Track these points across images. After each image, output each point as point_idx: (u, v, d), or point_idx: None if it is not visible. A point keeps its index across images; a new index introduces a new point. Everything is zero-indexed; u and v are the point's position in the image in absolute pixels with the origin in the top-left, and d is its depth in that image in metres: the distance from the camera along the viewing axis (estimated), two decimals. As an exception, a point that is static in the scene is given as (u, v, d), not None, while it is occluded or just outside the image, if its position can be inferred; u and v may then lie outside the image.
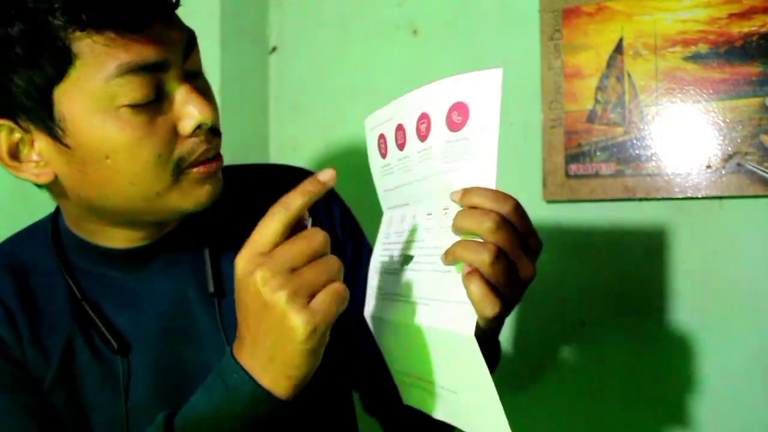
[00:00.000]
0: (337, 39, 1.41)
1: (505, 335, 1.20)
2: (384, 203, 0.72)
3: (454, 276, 0.58)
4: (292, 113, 1.47)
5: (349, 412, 0.85)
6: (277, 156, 1.48)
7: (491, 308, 0.55)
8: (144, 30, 0.60)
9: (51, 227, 0.74)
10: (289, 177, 0.85)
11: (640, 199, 1.11)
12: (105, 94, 0.60)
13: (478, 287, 0.55)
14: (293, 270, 0.54)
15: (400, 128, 0.66)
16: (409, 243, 0.66)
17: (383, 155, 0.69)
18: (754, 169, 1.03)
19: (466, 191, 0.57)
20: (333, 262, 0.55)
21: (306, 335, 0.53)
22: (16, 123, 0.63)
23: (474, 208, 0.57)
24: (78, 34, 0.58)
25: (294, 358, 0.54)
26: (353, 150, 1.38)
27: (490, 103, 0.56)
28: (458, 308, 0.57)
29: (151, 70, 0.61)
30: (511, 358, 1.20)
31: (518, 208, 0.57)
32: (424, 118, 0.62)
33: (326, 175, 0.57)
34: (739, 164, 1.04)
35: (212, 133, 0.66)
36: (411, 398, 0.70)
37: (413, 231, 0.65)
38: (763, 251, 1.05)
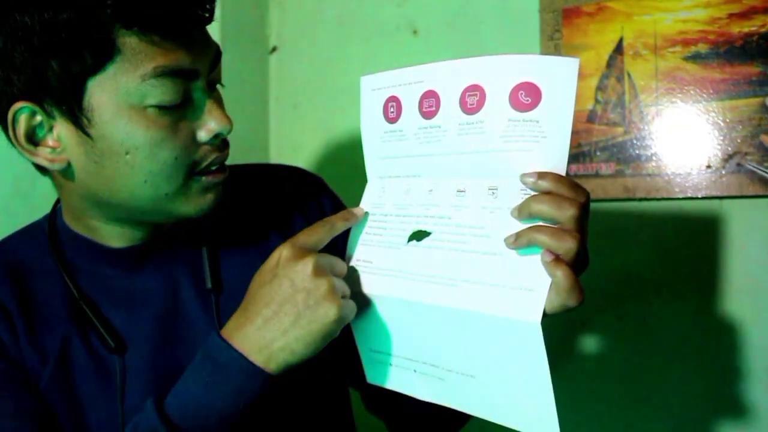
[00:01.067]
0: (337, 39, 1.41)
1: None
2: (374, 171, 0.69)
3: (509, 260, 0.56)
4: (292, 113, 1.47)
5: (346, 411, 0.85)
6: (277, 156, 1.48)
7: (576, 298, 0.55)
8: (184, 38, 0.63)
9: (48, 226, 0.74)
10: (287, 177, 0.86)
11: (640, 199, 1.11)
12: (137, 92, 0.62)
13: (567, 276, 0.54)
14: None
15: (431, 95, 0.63)
16: (421, 218, 0.63)
17: (391, 119, 0.66)
18: (754, 169, 1.03)
19: (542, 175, 0.56)
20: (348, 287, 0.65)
21: (335, 319, 0.60)
22: (41, 106, 0.64)
23: (547, 194, 0.56)
24: (123, 31, 0.61)
25: (308, 335, 0.61)
26: (353, 150, 1.38)
27: (567, 90, 0.55)
28: (518, 294, 0.55)
29: (183, 76, 0.64)
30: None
31: (589, 199, 0.58)
32: (474, 90, 0.60)
33: (360, 212, 0.69)
34: (739, 164, 1.04)
35: (224, 143, 0.69)
36: (384, 378, 0.68)
37: (430, 205, 0.63)
38: (763, 251, 1.05)
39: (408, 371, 0.66)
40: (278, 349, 0.61)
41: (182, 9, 0.62)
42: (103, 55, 0.61)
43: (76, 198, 0.70)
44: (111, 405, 0.68)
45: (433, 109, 0.63)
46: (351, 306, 0.63)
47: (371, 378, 0.70)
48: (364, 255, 0.67)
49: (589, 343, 1.17)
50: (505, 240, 0.57)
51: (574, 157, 1.15)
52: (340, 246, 0.70)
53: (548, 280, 0.54)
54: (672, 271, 1.11)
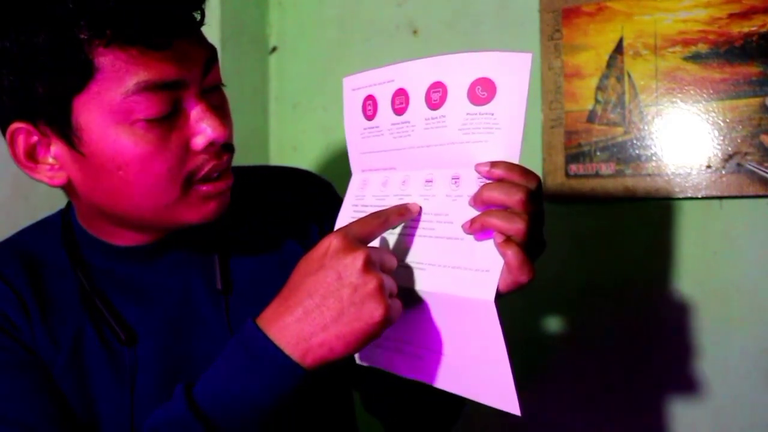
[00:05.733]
0: (337, 39, 1.41)
1: (507, 337, 1.20)
2: (357, 165, 0.72)
3: (468, 244, 0.60)
4: (292, 113, 1.47)
5: (349, 411, 0.86)
6: (277, 156, 1.48)
7: (527, 274, 0.58)
8: (167, 49, 0.61)
9: (62, 222, 0.75)
10: (297, 180, 0.87)
11: (640, 199, 1.11)
12: (122, 108, 0.61)
13: (516, 254, 0.57)
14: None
15: (401, 92, 0.67)
16: None
17: (369, 117, 0.70)
18: (754, 169, 1.03)
19: (494, 164, 0.59)
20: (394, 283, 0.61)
21: (380, 321, 0.57)
22: (35, 126, 0.64)
23: (499, 180, 0.59)
24: (101, 49, 0.60)
25: (350, 334, 0.57)
26: (353, 150, 1.38)
27: (520, 83, 0.59)
28: (475, 275, 0.59)
29: (169, 88, 0.62)
30: (511, 359, 1.20)
31: (541, 184, 0.60)
32: (438, 87, 0.64)
33: (415, 207, 0.65)
34: (739, 164, 1.04)
35: (224, 148, 0.68)
36: (372, 358, 0.71)
37: (403, 196, 0.67)
38: (763, 251, 1.05)
39: (392, 351, 0.69)
40: (316, 344, 0.58)
41: (160, 21, 0.60)
42: (83, 74, 0.60)
43: (84, 207, 0.71)
44: (121, 395, 0.69)
45: (404, 105, 0.67)
46: (398, 306, 0.60)
47: (361, 358, 0.72)
48: None
49: (589, 343, 1.17)
50: (462, 225, 0.60)
51: (574, 157, 1.15)
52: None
53: (502, 260, 0.58)
54: (672, 271, 1.11)
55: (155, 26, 0.60)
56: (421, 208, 0.65)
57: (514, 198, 0.58)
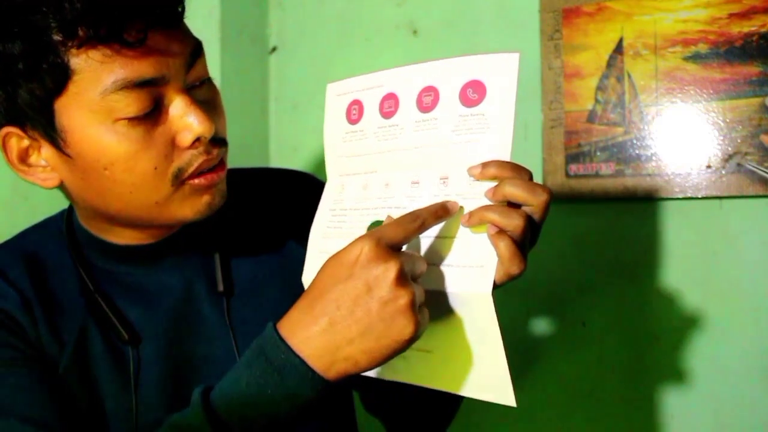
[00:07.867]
0: (337, 39, 1.41)
1: (505, 334, 1.20)
2: (334, 169, 0.72)
3: (459, 241, 0.60)
4: (292, 113, 1.47)
5: (349, 411, 0.86)
6: (277, 156, 1.48)
7: (518, 266, 0.58)
8: (141, 45, 0.60)
9: (65, 222, 0.76)
10: (298, 183, 0.87)
11: (640, 199, 1.11)
12: (101, 107, 0.61)
13: (508, 246, 0.57)
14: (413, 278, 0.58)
15: (391, 97, 0.68)
16: (379, 209, 0.66)
17: (353, 121, 0.70)
18: (754, 169, 1.03)
19: (485, 164, 0.60)
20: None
21: (408, 338, 0.55)
22: (24, 131, 0.65)
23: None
24: (74, 50, 0.60)
25: (376, 350, 0.55)
26: (353, 150, 1.38)
27: (508, 83, 0.60)
28: (470, 271, 0.60)
29: (148, 85, 0.61)
30: (510, 357, 1.20)
31: (532, 177, 0.61)
32: (430, 91, 0.65)
33: (455, 206, 0.61)
34: (739, 164, 1.04)
35: (214, 143, 0.67)
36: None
37: (386, 198, 0.67)
38: (763, 251, 1.05)
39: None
40: (342, 358, 0.56)
41: (130, 17, 0.59)
42: (60, 77, 0.60)
43: (81, 208, 0.72)
44: (125, 394, 0.69)
45: (393, 109, 0.68)
46: (426, 319, 0.58)
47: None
48: (324, 246, 0.69)
49: (589, 343, 1.17)
50: (460, 219, 0.61)
51: (574, 157, 1.15)
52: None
53: (495, 256, 0.58)
54: (672, 271, 1.11)
55: (126, 23, 0.59)
56: (462, 207, 0.62)
57: (540, 198, 0.59)
